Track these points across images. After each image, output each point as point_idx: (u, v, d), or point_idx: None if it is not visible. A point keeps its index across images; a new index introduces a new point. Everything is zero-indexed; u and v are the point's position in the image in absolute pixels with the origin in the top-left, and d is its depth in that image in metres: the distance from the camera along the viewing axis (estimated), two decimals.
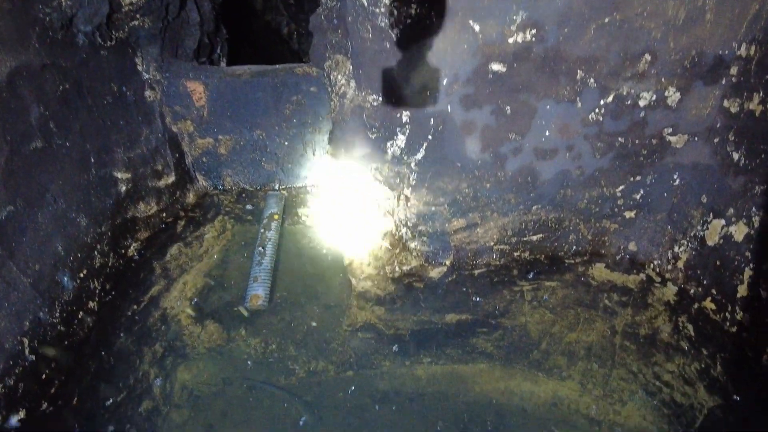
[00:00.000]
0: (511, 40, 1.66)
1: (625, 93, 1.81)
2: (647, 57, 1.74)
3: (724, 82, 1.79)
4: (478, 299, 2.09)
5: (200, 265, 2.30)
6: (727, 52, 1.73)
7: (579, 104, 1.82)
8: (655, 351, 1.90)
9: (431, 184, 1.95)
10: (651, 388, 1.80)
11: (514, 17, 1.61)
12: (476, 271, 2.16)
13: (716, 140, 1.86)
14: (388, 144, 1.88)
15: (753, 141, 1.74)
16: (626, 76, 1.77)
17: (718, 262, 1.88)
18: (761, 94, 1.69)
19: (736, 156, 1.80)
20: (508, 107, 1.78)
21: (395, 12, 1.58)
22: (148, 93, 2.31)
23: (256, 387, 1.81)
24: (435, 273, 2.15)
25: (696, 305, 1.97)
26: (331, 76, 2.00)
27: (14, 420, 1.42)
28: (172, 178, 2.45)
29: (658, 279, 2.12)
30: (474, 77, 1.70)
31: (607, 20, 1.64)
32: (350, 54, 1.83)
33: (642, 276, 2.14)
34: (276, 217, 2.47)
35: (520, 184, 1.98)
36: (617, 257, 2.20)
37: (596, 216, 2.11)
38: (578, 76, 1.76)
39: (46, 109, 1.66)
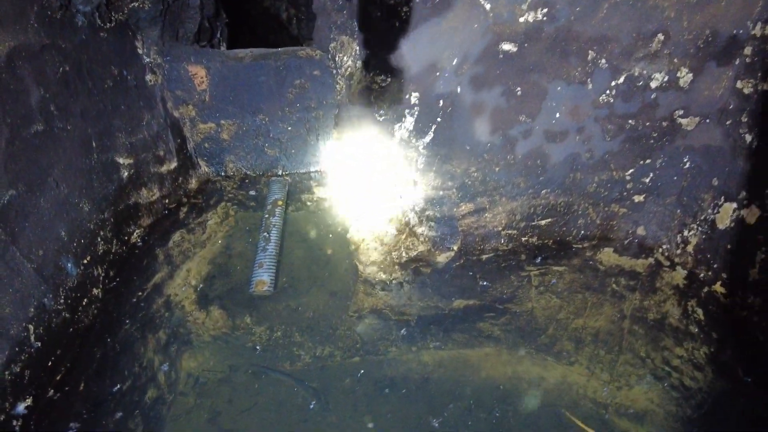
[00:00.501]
0: (522, 19, 1.62)
1: (636, 74, 1.78)
2: (660, 36, 1.71)
3: (737, 62, 1.76)
4: (485, 284, 2.07)
5: (204, 251, 2.28)
6: (741, 31, 1.70)
7: (590, 86, 1.79)
8: (664, 335, 1.90)
9: (440, 168, 1.92)
10: (659, 372, 1.79)
11: None
12: (484, 256, 2.15)
13: (728, 122, 1.83)
14: (396, 126, 1.84)
15: (767, 122, 1.71)
16: (638, 56, 1.74)
17: (729, 246, 1.87)
18: None
19: (749, 138, 1.78)
20: (519, 88, 1.75)
21: None
22: (149, 77, 2.26)
23: (261, 373, 1.79)
24: (442, 258, 2.13)
25: (706, 289, 1.96)
26: (336, 58, 1.96)
27: (21, 407, 1.40)
28: (174, 164, 2.41)
29: (667, 263, 2.10)
30: (484, 57, 1.67)
31: None
32: (356, 34, 1.78)
33: (651, 260, 2.13)
34: (280, 203, 2.44)
35: (530, 168, 1.95)
36: (625, 242, 2.18)
37: (605, 200, 2.09)
38: (589, 57, 1.73)
39: (47, 91, 1.62)
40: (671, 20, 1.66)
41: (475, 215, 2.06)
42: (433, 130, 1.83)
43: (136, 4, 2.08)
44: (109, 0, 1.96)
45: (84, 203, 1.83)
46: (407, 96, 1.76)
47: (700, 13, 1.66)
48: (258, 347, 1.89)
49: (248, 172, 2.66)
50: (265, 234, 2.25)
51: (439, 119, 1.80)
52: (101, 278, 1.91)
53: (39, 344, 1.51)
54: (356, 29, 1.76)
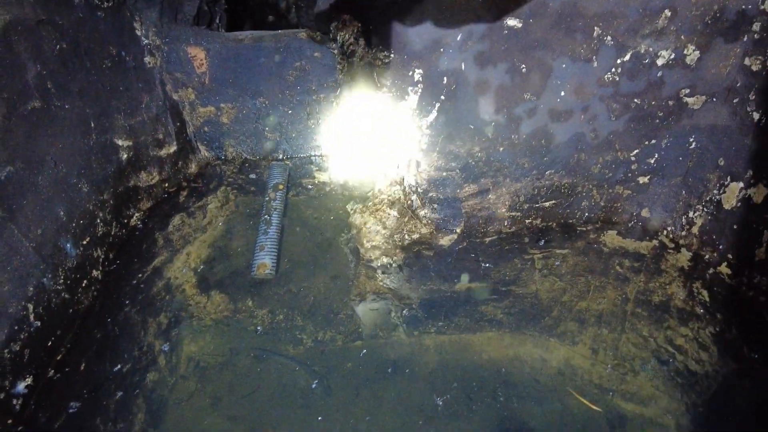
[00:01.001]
0: None
1: (642, 51, 1.76)
2: (667, 12, 1.68)
3: (745, 38, 1.73)
4: (488, 267, 2.06)
5: (204, 236, 2.26)
6: (750, 6, 1.67)
7: (595, 63, 1.77)
8: (669, 317, 1.88)
9: (443, 148, 1.90)
10: (664, 355, 1.78)
11: None
12: (487, 239, 2.13)
13: (736, 100, 1.81)
14: (399, 105, 1.82)
15: None
16: (644, 33, 1.72)
17: (735, 226, 1.85)
18: None
19: (756, 116, 1.75)
20: (524, 65, 1.73)
21: None
22: (147, 59, 2.23)
23: (263, 357, 1.78)
24: (445, 241, 2.11)
25: (711, 270, 1.95)
26: (338, 37, 1.93)
27: (21, 386, 1.39)
28: (173, 148, 2.38)
29: (672, 245, 2.09)
30: (489, 33, 1.64)
31: None
32: (358, 10, 1.76)
33: (655, 242, 2.11)
34: (281, 187, 2.42)
35: (534, 148, 1.93)
36: (630, 224, 2.16)
37: (609, 181, 2.07)
38: (595, 34, 1.71)
39: (44, 67, 1.59)
40: None
41: (478, 197, 2.04)
42: (437, 108, 1.81)
43: None
44: None
45: (83, 184, 1.81)
46: (410, 73, 1.73)
47: None
48: (259, 331, 1.88)
49: (248, 156, 2.63)
50: (266, 217, 2.23)
51: (443, 97, 1.77)
52: (101, 260, 1.89)
53: (38, 324, 1.49)
54: (358, 5, 1.74)
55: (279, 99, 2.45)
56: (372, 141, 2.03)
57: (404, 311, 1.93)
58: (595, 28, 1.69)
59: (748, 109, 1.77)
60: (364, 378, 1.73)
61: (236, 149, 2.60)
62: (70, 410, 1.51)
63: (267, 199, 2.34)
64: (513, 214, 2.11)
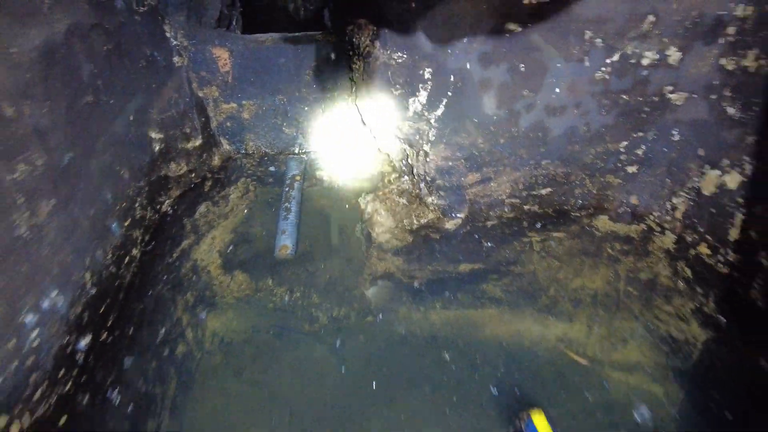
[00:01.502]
0: (526, 1, 1.79)
1: (629, 52, 1.95)
2: (651, 18, 1.87)
3: (721, 41, 1.93)
4: (490, 248, 2.24)
5: (227, 222, 2.45)
6: (725, 12, 1.87)
7: (587, 63, 1.96)
8: (655, 294, 2.07)
9: (449, 140, 2.10)
10: (651, 326, 1.96)
11: None
12: (489, 223, 2.32)
13: (713, 97, 2.01)
14: (411, 100, 2.01)
15: (747, 96, 1.89)
16: (631, 36, 1.91)
17: (713, 210, 2.04)
18: (755, 52, 1.84)
19: (731, 110, 1.95)
20: (522, 65, 1.92)
21: None
22: (176, 59, 2.43)
23: (283, 333, 1.95)
24: (450, 225, 2.30)
25: (692, 251, 2.14)
26: (354, 39, 2.12)
27: (83, 343, 1.58)
28: (199, 141, 2.58)
29: (658, 229, 2.28)
30: (491, 36, 1.84)
31: None
32: (374, 15, 1.95)
33: (643, 226, 2.30)
34: (298, 178, 2.61)
35: (532, 140, 2.12)
36: (620, 210, 2.36)
37: (601, 171, 2.26)
38: (586, 36, 1.90)
39: (95, 67, 1.79)
40: (661, 2, 1.83)
41: (481, 185, 2.24)
42: (444, 103, 2.00)
43: None
44: None
45: (124, 171, 2.00)
46: (421, 71, 1.93)
47: None
48: (279, 309, 2.05)
49: (267, 150, 2.82)
50: (286, 205, 2.42)
51: (450, 93, 1.97)
52: (138, 240, 2.08)
53: (94, 291, 1.69)
54: (373, 11, 1.93)
55: (296, 97, 2.65)
56: (384, 135, 2.22)
57: (412, 289, 2.11)
58: (587, 31, 1.89)
59: (724, 104, 1.97)
60: (375, 349, 1.90)
61: (256, 143, 2.79)
62: (121, 369, 1.71)
63: (286, 189, 2.53)
64: (513, 200, 2.30)
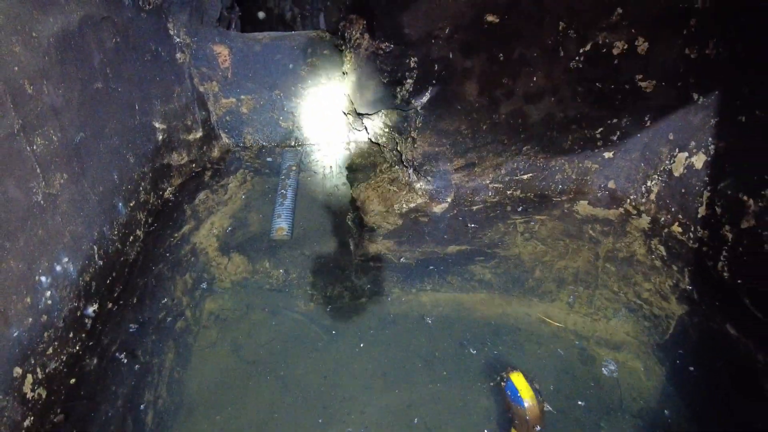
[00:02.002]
0: None
1: (601, 42, 2.10)
2: (619, 10, 2.03)
3: (685, 32, 2.08)
4: (476, 230, 2.36)
5: (225, 208, 2.57)
6: (687, 5, 2.02)
7: (561, 52, 2.11)
8: (633, 271, 2.19)
9: (435, 126, 2.23)
10: (632, 304, 2.07)
11: None
12: (474, 207, 2.45)
13: (679, 84, 2.16)
14: (398, 89, 2.16)
15: (709, 81, 2.04)
16: (602, 26, 2.06)
17: (683, 190, 2.18)
18: (714, 41, 1.99)
19: (696, 96, 2.10)
20: (501, 54, 2.07)
21: None
22: (178, 55, 2.58)
23: (278, 312, 2.04)
24: (438, 209, 2.43)
25: (666, 230, 2.27)
26: (346, 34, 2.27)
27: (90, 310, 1.69)
28: (199, 134, 2.71)
29: (635, 211, 2.41)
30: (472, 26, 1.99)
31: None
32: (364, 9, 2.10)
33: (621, 210, 2.43)
34: (294, 168, 2.74)
35: (512, 126, 2.26)
36: (598, 194, 2.49)
37: (579, 156, 2.40)
38: (560, 27, 2.05)
39: (105, 56, 1.93)
40: None
41: (466, 170, 2.37)
42: (429, 91, 2.14)
43: None
44: None
45: (130, 155, 2.13)
46: (407, 60, 2.07)
47: None
48: (274, 288, 2.14)
49: (264, 143, 2.96)
50: (282, 191, 2.55)
51: (434, 81, 2.11)
52: (142, 222, 2.21)
53: (101, 263, 1.81)
54: (364, 5, 2.08)
55: (292, 91, 2.80)
56: (374, 125, 2.36)
57: (403, 271, 2.21)
58: (560, 22, 2.04)
59: (689, 90, 2.12)
60: (367, 328, 1.98)
61: (253, 136, 2.93)
62: (124, 336, 1.81)
63: (282, 178, 2.66)
64: (496, 185, 2.44)
